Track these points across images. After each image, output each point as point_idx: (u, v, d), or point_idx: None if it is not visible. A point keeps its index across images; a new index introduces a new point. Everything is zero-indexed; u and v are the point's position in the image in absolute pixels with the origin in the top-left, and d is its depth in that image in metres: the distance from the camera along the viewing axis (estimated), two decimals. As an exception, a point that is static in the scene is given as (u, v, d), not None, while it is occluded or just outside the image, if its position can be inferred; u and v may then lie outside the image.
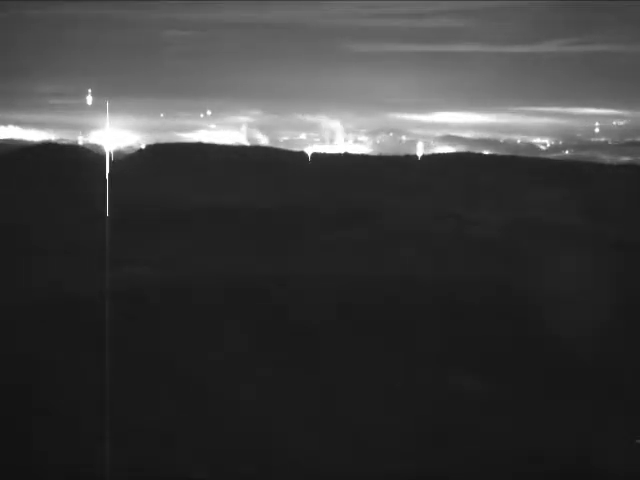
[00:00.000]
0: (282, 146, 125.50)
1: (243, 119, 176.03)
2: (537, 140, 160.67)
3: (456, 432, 23.26)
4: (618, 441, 22.73)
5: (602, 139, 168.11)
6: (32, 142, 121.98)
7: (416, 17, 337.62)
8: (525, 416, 24.35)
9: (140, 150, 78.76)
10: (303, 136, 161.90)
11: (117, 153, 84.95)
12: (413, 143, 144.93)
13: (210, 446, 22.04)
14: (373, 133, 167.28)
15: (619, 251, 43.31)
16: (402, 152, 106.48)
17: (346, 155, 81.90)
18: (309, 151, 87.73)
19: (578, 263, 41.03)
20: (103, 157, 74.69)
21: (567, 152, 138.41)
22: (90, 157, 72.35)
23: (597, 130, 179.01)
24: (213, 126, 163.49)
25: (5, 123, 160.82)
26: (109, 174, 64.50)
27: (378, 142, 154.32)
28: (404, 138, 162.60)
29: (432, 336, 29.67)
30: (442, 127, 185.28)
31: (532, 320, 31.48)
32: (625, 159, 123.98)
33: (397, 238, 46.04)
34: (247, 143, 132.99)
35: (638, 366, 27.80)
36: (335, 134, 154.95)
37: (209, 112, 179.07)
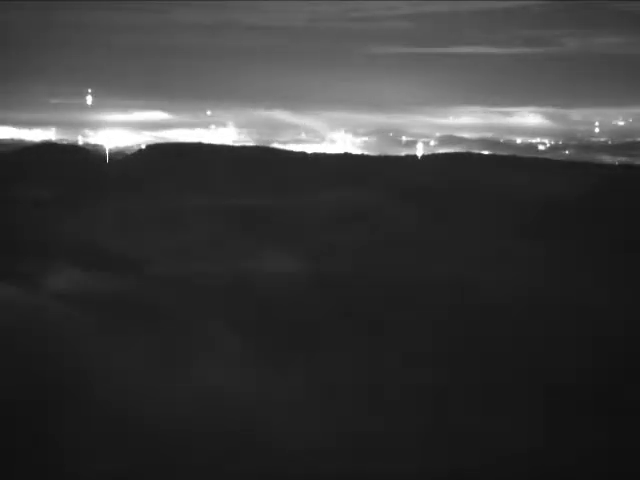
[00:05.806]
0: (282, 146, 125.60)
1: (243, 119, 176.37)
2: (537, 140, 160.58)
3: (456, 432, 23.25)
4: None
5: (602, 139, 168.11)
6: (32, 142, 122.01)
7: (417, 18, 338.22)
8: (525, 415, 24.34)
9: (140, 150, 78.63)
10: (303, 136, 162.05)
11: (117, 153, 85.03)
12: (413, 143, 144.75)
13: (210, 446, 22.04)
14: (373, 133, 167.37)
15: (620, 251, 43.31)
16: (402, 152, 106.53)
17: (346, 155, 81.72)
18: (309, 151, 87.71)
19: (578, 263, 41.04)
20: (103, 157, 74.76)
21: (567, 152, 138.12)
22: (90, 157, 72.34)
23: (597, 130, 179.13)
24: (213, 126, 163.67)
25: (5, 123, 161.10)
26: (109, 174, 64.61)
27: (378, 142, 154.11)
28: (404, 138, 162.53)
29: (432, 336, 29.67)
30: (442, 127, 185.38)
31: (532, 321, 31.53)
32: (625, 159, 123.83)
33: (397, 238, 46.01)
34: (247, 143, 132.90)
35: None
36: (335, 134, 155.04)
37: (209, 112, 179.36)
